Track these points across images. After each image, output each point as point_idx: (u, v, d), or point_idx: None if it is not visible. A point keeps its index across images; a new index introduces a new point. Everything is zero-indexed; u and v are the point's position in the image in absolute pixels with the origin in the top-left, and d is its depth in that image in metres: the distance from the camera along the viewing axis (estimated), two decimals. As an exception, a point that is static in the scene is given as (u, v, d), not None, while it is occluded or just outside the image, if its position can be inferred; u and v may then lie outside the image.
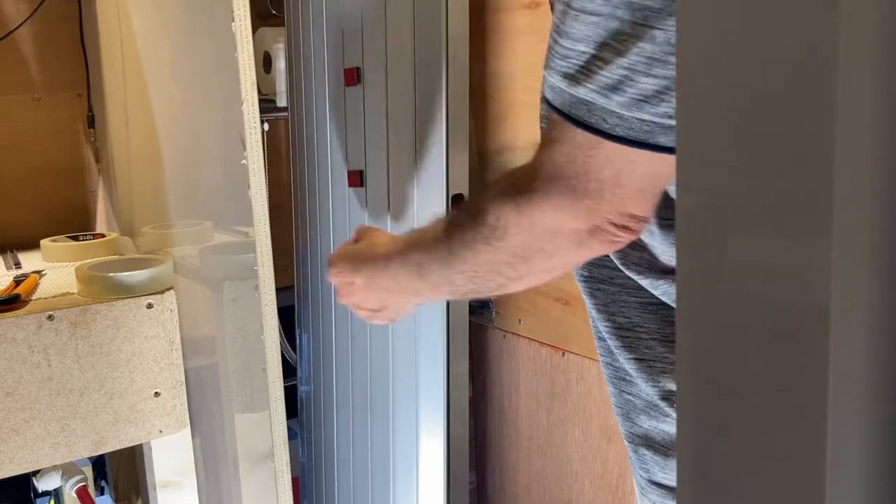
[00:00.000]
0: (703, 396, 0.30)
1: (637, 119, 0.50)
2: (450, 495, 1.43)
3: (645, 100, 0.49)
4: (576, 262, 0.64)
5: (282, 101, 1.75)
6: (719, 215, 0.28)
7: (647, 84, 0.49)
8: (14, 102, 1.82)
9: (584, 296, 0.72)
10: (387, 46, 1.38)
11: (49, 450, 1.21)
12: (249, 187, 1.03)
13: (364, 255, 0.81)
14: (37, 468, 1.23)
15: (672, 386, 0.66)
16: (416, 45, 1.31)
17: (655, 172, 0.54)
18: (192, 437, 1.39)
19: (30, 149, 1.85)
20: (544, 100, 0.57)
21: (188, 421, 1.35)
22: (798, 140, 0.25)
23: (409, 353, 1.42)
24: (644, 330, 0.67)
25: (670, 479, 0.68)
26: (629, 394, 0.71)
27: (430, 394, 1.39)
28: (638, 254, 0.66)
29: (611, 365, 0.73)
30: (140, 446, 1.45)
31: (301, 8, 1.63)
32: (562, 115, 0.54)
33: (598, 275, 0.70)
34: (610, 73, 0.50)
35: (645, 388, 0.68)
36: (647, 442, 0.70)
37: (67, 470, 1.50)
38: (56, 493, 1.61)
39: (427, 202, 1.34)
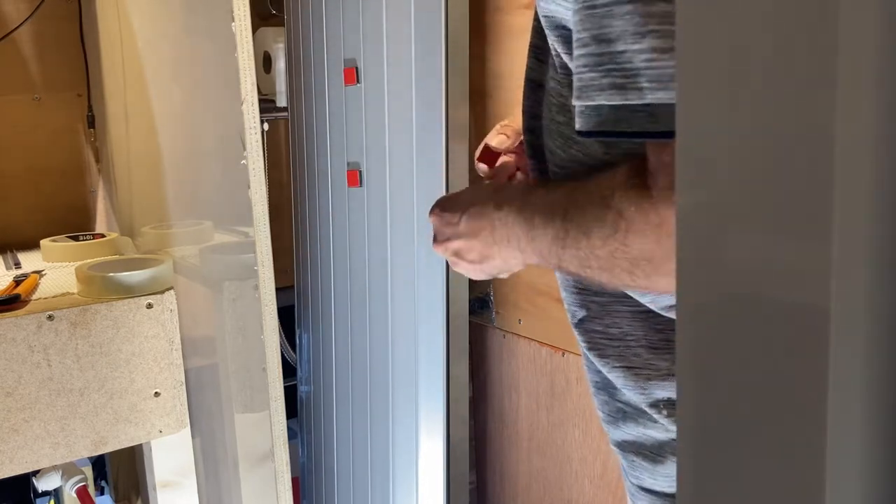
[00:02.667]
0: (703, 396, 0.30)
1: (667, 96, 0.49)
2: (450, 495, 1.43)
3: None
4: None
5: (282, 101, 1.75)
6: (719, 215, 0.28)
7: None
8: (14, 102, 1.82)
9: (574, 309, 0.70)
10: (387, 46, 1.38)
11: (49, 450, 1.21)
12: (249, 187, 1.03)
13: (473, 198, 0.72)
14: (37, 468, 1.23)
15: (659, 393, 0.65)
16: (416, 45, 1.31)
17: None
18: (192, 437, 1.39)
19: (30, 149, 1.85)
20: (592, 134, 0.54)
21: (188, 421, 1.35)
22: (798, 139, 0.25)
23: (408, 353, 1.42)
24: (633, 338, 0.66)
25: (658, 484, 0.68)
26: (618, 401, 0.70)
27: (430, 394, 1.39)
28: None
29: (598, 372, 0.71)
30: (140, 446, 1.45)
31: (301, 8, 1.63)
32: (644, 136, 0.51)
33: (591, 287, 0.68)
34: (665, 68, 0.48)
35: (632, 397, 0.67)
36: (636, 448, 0.69)
37: (67, 470, 1.50)
38: (56, 493, 1.61)
39: (427, 202, 1.34)
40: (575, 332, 0.71)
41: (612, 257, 0.57)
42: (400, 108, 1.37)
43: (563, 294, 0.71)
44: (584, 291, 0.69)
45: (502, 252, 0.68)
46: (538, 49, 0.67)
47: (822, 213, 0.24)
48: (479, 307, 1.58)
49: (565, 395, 1.45)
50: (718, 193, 0.28)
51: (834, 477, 0.25)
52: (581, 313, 0.70)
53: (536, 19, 0.66)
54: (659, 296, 0.62)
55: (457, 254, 0.73)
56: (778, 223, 0.26)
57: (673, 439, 0.65)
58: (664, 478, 0.67)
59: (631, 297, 0.65)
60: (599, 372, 0.71)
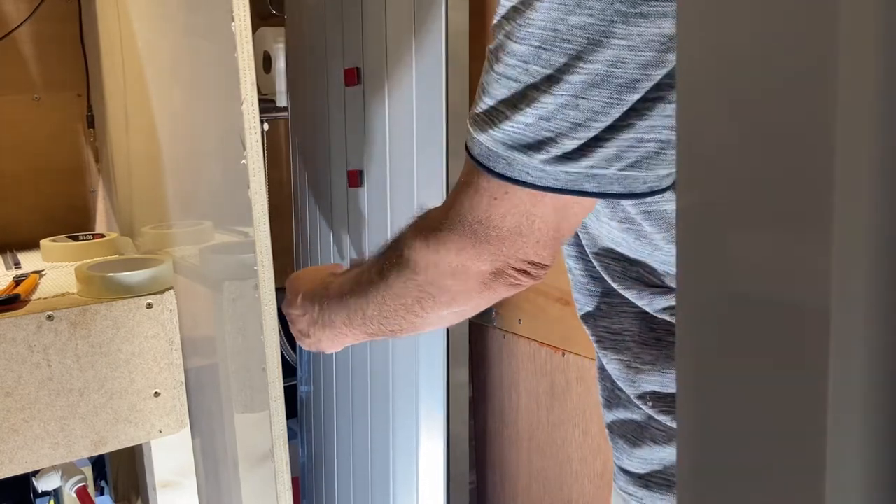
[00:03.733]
0: (702, 397, 0.30)
1: (561, 171, 0.54)
2: (450, 495, 1.43)
3: (568, 157, 0.54)
4: (481, 304, 0.67)
5: (282, 101, 1.75)
6: (719, 215, 0.28)
7: (570, 144, 0.53)
8: (14, 102, 1.82)
9: (587, 308, 0.76)
10: (387, 46, 1.38)
11: (49, 450, 1.21)
12: (249, 187, 1.03)
13: (311, 281, 0.88)
14: (36, 468, 1.23)
15: (646, 386, 0.70)
16: (416, 45, 1.31)
17: (557, 224, 0.59)
18: (192, 437, 1.39)
19: (30, 149, 1.85)
20: (466, 147, 0.60)
21: (188, 421, 1.34)
22: (798, 139, 0.25)
23: (409, 353, 1.42)
24: (629, 334, 0.72)
25: (633, 466, 0.73)
26: (615, 387, 0.75)
27: (430, 394, 1.39)
28: (620, 268, 0.70)
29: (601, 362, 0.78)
30: (140, 446, 1.45)
31: (301, 8, 1.63)
32: (478, 164, 0.58)
33: (607, 290, 0.74)
34: (531, 133, 0.54)
35: (624, 387, 0.73)
36: (621, 431, 0.74)
37: (67, 470, 1.50)
38: (56, 494, 1.61)
39: (427, 202, 1.34)
40: (585, 328, 0.76)
41: (405, 293, 0.68)
42: (400, 108, 1.37)
43: (577, 296, 0.77)
44: (597, 295, 0.74)
45: (322, 333, 0.83)
46: None
47: (822, 213, 0.24)
48: (479, 307, 1.58)
49: (565, 395, 1.45)
50: (718, 193, 0.28)
51: (834, 477, 0.25)
52: (593, 311, 0.75)
53: None
54: (654, 299, 0.68)
55: (292, 322, 0.88)
56: (778, 223, 0.26)
57: (652, 426, 0.71)
58: (638, 460, 0.72)
59: (634, 302, 0.71)
60: (600, 360, 0.77)
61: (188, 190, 1.40)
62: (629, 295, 0.69)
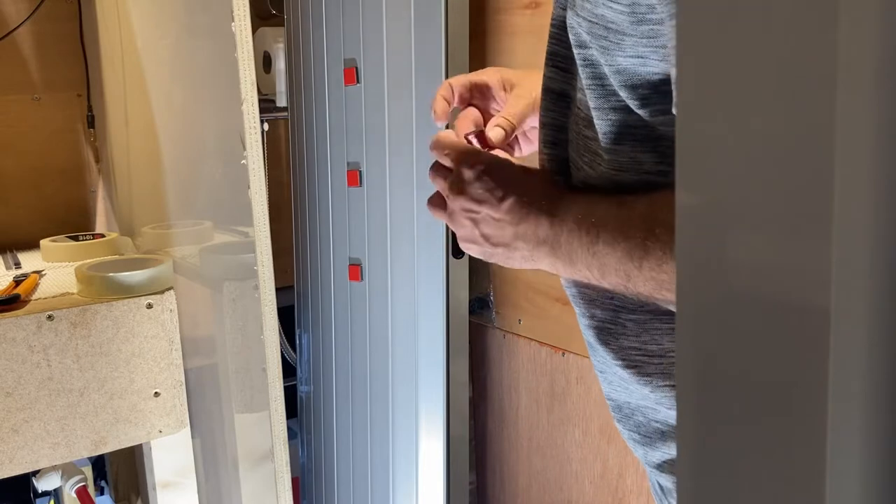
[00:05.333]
0: (702, 397, 0.30)
1: None
2: (450, 495, 1.43)
3: None
4: None
5: (282, 101, 1.75)
6: (719, 215, 0.28)
7: None
8: (14, 102, 1.82)
9: (607, 326, 0.65)
10: (386, 46, 1.38)
11: (49, 450, 1.21)
12: (249, 187, 1.03)
13: (525, 185, 0.63)
14: (36, 468, 1.23)
15: None
16: (415, 45, 1.31)
17: None
18: (192, 437, 1.39)
19: (30, 149, 1.85)
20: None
21: (188, 421, 1.35)
22: (798, 139, 0.25)
23: (408, 353, 1.42)
24: (675, 354, 0.62)
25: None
26: (656, 421, 0.66)
27: (430, 394, 1.39)
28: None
29: (632, 392, 0.66)
30: (140, 446, 1.45)
31: (301, 8, 1.63)
32: None
33: (628, 304, 0.63)
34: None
35: (671, 414, 0.62)
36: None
37: (67, 470, 1.50)
38: (56, 494, 1.61)
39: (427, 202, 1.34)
40: (603, 352, 0.65)
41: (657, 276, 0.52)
42: (400, 108, 1.37)
43: (592, 311, 0.66)
44: (621, 309, 0.63)
45: (533, 254, 0.62)
46: (558, 57, 0.62)
47: (822, 213, 0.24)
48: (479, 307, 1.58)
49: (565, 395, 1.45)
50: (718, 193, 0.28)
51: (834, 477, 0.25)
52: (612, 329, 0.64)
53: (555, 26, 0.62)
54: None
55: (476, 219, 0.64)
56: (778, 223, 0.26)
57: None
58: None
59: (669, 314, 0.61)
60: (632, 392, 0.65)
61: (188, 190, 1.40)
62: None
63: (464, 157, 0.65)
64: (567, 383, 1.44)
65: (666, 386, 0.62)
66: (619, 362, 0.63)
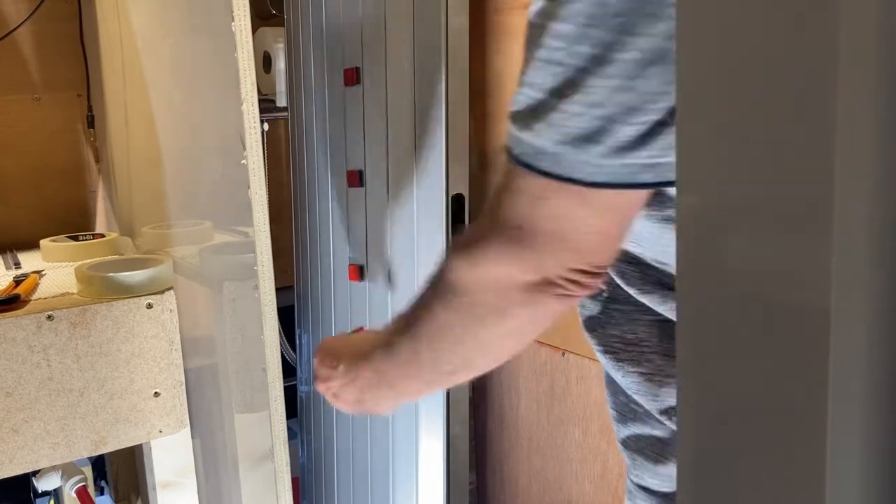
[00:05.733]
0: (703, 397, 0.30)
1: (620, 164, 0.49)
2: (450, 495, 1.43)
3: (623, 148, 0.48)
4: (536, 322, 0.60)
5: (282, 101, 1.75)
6: (719, 215, 0.28)
7: (628, 131, 0.47)
8: (14, 102, 1.82)
9: (598, 316, 0.71)
10: (387, 46, 1.38)
11: (49, 450, 1.21)
12: (249, 187, 1.03)
13: (349, 348, 0.78)
14: (36, 468, 1.23)
15: (670, 401, 0.66)
16: (416, 45, 1.31)
17: (605, 227, 0.53)
18: (192, 437, 1.39)
19: (30, 149, 1.85)
20: (505, 149, 0.55)
21: (188, 421, 1.34)
22: (798, 139, 0.25)
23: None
24: (648, 344, 0.67)
25: (659, 485, 0.68)
26: (631, 401, 0.70)
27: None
28: (638, 272, 0.64)
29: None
30: (140, 446, 1.45)
31: (301, 8, 1.63)
32: (519, 164, 0.52)
33: (617, 295, 0.68)
34: (581, 124, 0.48)
35: (644, 402, 0.68)
36: (640, 447, 0.69)
37: (67, 470, 1.50)
38: (56, 494, 1.61)
39: (427, 202, 1.34)
40: (588, 337, 0.70)
41: (452, 322, 0.61)
42: (400, 108, 1.37)
43: (584, 301, 0.71)
44: (605, 300, 0.69)
45: (378, 393, 0.73)
46: None
47: (822, 213, 0.24)
48: (479, 307, 1.58)
49: (565, 395, 1.45)
50: (718, 193, 0.28)
51: (834, 477, 0.25)
52: (601, 318, 0.70)
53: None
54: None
55: (335, 396, 0.78)
56: (778, 223, 0.26)
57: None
58: (665, 477, 0.68)
59: (651, 308, 0.65)
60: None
61: (188, 190, 1.40)
62: (648, 300, 0.64)
63: (315, 353, 0.81)
64: (567, 383, 1.44)
65: (635, 373, 0.67)
66: (600, 348, 0.69)
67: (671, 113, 0.46)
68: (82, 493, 1.49)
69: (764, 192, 0.26)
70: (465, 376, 0.66)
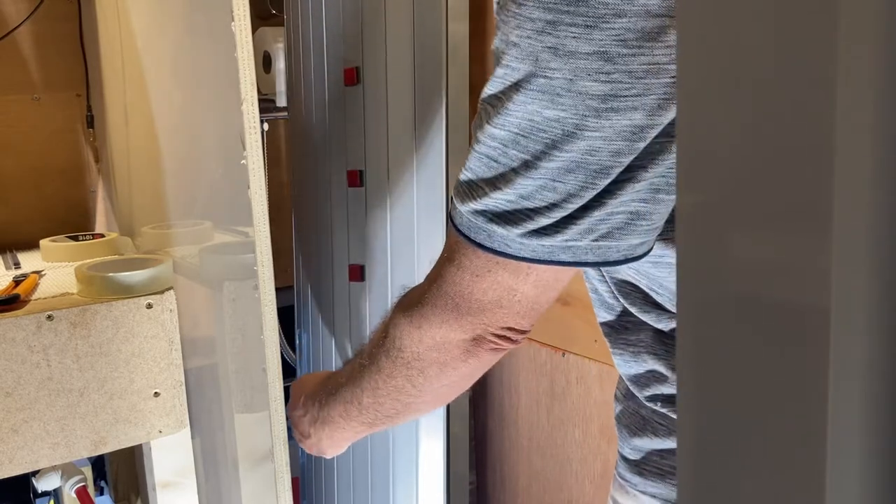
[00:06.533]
0: (703, 397, 0.30)
1: (538, 244, 0.57)
2: (450, 495, 1.43)
3: (544, 232, 0.56)
4: (470, 373, 0.70)
5: (282, 101, 1.75)
6: (719, 215, 0.28)
7: (546, 222, 0.56)
8: (14, 102, 1.82)
9: (609, 320, 0.79)
10: (387, 46, 1.38)
11: (48, 450, 1.21)
12: (249, 187, 1.03)
13: (314, 382, 0.91)
14: (36, 468, 1.23)
15: (655, 391, 0.73)
16: (416, 45, 1.31)
17: (537, 297, 0.62)
18: (192, 437, 1.39)
19: (30, 149, 1.85)
20: (449, 217, 0.64)
21: (188, 421, 1.34)
22: (798, 139, 0.25)
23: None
24: (643, 345, 0.75)
25: (631, 454, 0.77)
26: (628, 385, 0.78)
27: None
28: (640, 297, 0.72)
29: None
30: (140, 446, 1.45)
31: (301, 8, 1.63)
32: (462, 236, 0.61)
33: (628, 310, 0.77)
34: (510, 209, 0.57)
35: (637, 393, 0.76)
36: (627, 421, 0.78)
37: (67, 470, 1.50)
38: (55, 494, 1.61)
39: (427, 202, 1.34)
40: (605, 339, 0.80)
41: (394, 373, 0.71)
42: (400, 108, 1.37)
43: (599, 311, 0.80)
44: (620, 313, 0.78)
45: (321, 432, 0.86)
46: None
47: (822, 213, 0.24)
48: (479, 307, 1.58)
49: (565, 395, 1.45)
50: (718, 193, 0.28)
51: (835, 477, 0.25)
52: (616, 326, 0.79)
53: None
54: (671, 321, 0.72)
55: (294, 426, 0.93)
56: (778, 223, 0.26)
57: (655, 420, 0.74)
58: (635, 449, 0.77)
59: (649, 323, 0.75)
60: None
61: (188, 190, 1.40)
62: (648, 318, 0.72)
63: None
64: (567, 383, 1.44)
65: (633, 364, 0.76)
66: (613, 348, 0.78)
67: (581, 209, 0.55)
68: (82, 493, 1.48)
69: (764, 191, 0.26)
70: (406, 419, 0.78)
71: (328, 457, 0.95)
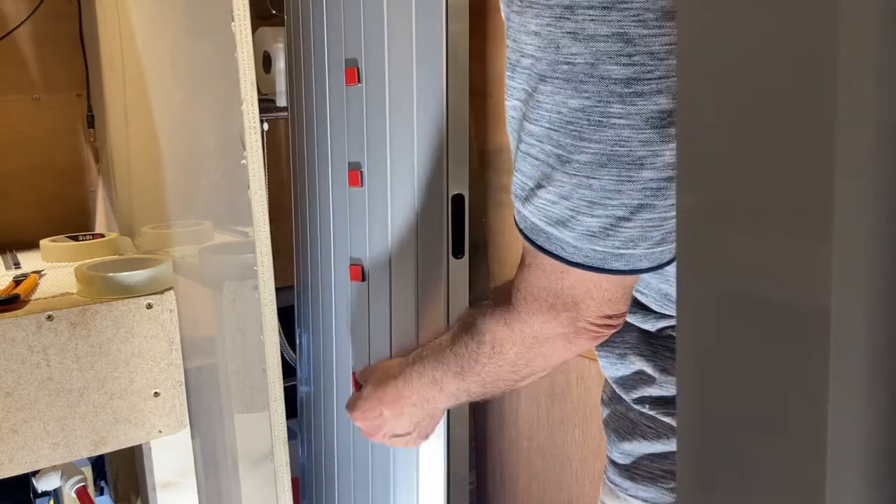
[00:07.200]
0: (703, 397, 0.30)
1: (591, 249, 0.57)
2: (450, 495, 1.43)
3: (593, 235, 0.56)
4: (569, 356, 0.73)
5: (282, 101, 1.75)
6: (719, 215, 0.28)
7: (592, 222, 0.55)
8: (14, 102, 1.82)
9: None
10: (388, 46, 1.38)
11: (48, 450, 1.21)
12: (249, 187, 1.03)
13: (382, 387, 0.92)
14: (36, 468, 1.23)
15: (642, 392, 0.75)
16: (416, 45, 1.31)
17: (623, 281, 0.62)
18: (192, 437, 1.39)
19: (30, 149, 1.85)
20: (514, 219, 0.64)
21: (188, 421, 1.34)
22: (798, 140, 0.25)
23: (408, 353, 1.42)
24: (628, 345, 0.77)
25: (620, 458, 0.78)
26: (615, 388, 0.80)
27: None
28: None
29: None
30: (140, 446, 1.45)
31: (301, 8, 1.63)
32: (528, 241, 0.62)
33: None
34: (557, 211, 0.57)
35: (623, 395, 0.77)
36: (615, 425, 0.80)
37: (67, 470, 1.50)
38: (56, 494, 1.61)
39: (427, 202, 1.34)
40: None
41: (499, 371, 0.75)
42: (401, 107, 1.37)
43: None
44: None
45: (422, 413, 0.88)
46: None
47: (822, 213, 0.24)
48: (479, 307, 1.58)
49: (565, 396, 1.45)
50: (718, 193, 0.28)
51: (834, 476, 0.25)
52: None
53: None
54: (656, 322, 0.73)
55: (391, 434, 0.92)
56: (778, 223, 0.26)
57: (643, 423, 0.75)
58: (625, 453, 0.77)
59: (637, 325, 0.76)
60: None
61: (188, 190, 1.40)
62: (633, 319, 0.73)
63: (352, 416, 0.98)
64: (567, 383, 1.43)
65: (619, 365, 0.78)
66: (598, 348, 0.80)
67: (626, 209, 0.54)
68: (82, 493, 1.48)
69: (764, 191, 0.26)
70: (506, 390, 0.81)
71: (400, 444, 0.98)
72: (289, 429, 1.17)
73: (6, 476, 1.18)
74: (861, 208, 0.24)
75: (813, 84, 0.24)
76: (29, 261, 1.58)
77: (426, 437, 0.94)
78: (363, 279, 1.54)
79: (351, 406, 0.95)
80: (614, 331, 0.66)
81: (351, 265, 1.57)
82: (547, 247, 0.59)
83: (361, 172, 1.50)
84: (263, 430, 1.12)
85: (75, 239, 1.62)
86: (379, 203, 1.46)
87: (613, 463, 0.79)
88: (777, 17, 0.25)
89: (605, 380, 0.81)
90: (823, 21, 0.24)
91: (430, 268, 1.36)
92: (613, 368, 0.76)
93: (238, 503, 1.26)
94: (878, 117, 0.24)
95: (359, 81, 1.47)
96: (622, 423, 0.78)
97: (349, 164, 1.54)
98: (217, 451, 1.35)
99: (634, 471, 0.75)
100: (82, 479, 1.51)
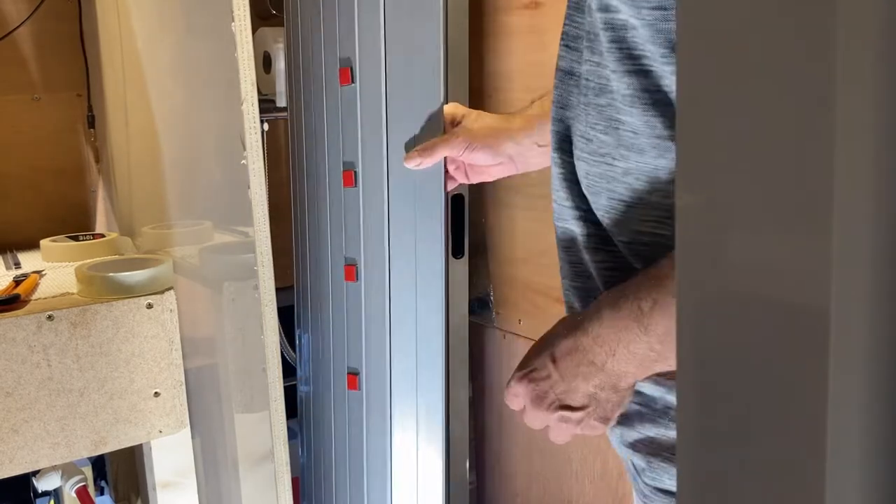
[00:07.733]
0: (703, 397, 0.30)
1: None
2: (449, 495, 1.43)
3: None
4: None
5: (281, 101, 1.75)
6: (719, 215, 0.28)
7: None
8: (14, 102, 1.82)
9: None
10: (384, 46, 1.38)
11: (49, 450, 1.21)
12: (249, 187, 1.03)
13: (551, 340, 0.67)
14: (36, 468, 1.23)
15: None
16: (414, 45, 1.31)
17: None
18: (192, 437, 1.39)
19: (30, 149, 1.85)
20: None
21: (188, 421, 1.35)
22: (798, 139, 0.25)
23: (408, 353, 1.42)
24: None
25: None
26: (635, 403, 0.68)
27: (430, 394, 1.39)
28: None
29: None
30: (140, 446, 1.45)
31: (300, 8, 1.63)
32: None
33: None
34: None
35: (663, 396, 0.66)
36: (654, 449, 0.67)
37: (67, 470, 1.50)
38: (56, 494, 1.61)
39: (426, 203, 1.34)
40: None
41: None
42: (398, 107, 1.37)
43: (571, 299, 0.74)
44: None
45: (609, 378, 0.63)
46: (569, 37, 0.69)
47: (822, 213, 0.24)
48: (479, 307, 1.58)
49: (565, 395, 1.45)
50: (718, 193, 0.28)
51: (835, 477, 0.25)
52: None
53: (570, 7, 0.68)
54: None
55: (564, 407, 0.66)
56: (778, 223, 0.26)
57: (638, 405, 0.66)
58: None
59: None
60: None
61: (188, 190, 1.40)
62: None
63: (514, 386, 0.70)
64: (567, 383, 1.43)
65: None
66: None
67: None
68: (82, 493, 1.49)
69: (764, 191, 0.27)
70: None
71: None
72: (289, 429, 1.17)
73: (6, 476, 1.18)
74: (861, 207, 0.25)
75: (813, 81, 0.24)
76: (29, 261, 1.58)
77: (605, 420, 0.66)
78: (357, 279, 1.54)
79: (517, 374, 0.70)
80: None
81: (346, 265, 1.58)
82: None
83: (356, 173, 1.50)
84: (263, 430, 1.12)
85: (75, 239, 1.62)
86: (374, 203, 1.46)
87: (664, 491, 0.66)
88: (778, 14, 0.25)
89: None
90: (824, 19, 0.24)
91: (428, 267, 1.36)
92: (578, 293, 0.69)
93: (238, 503, 1.26)
94: (878, 115, 0.24)
95: (352, 81, 1.46)
96: (666, 447, 0.66)
97: (344, 164, 1.54)
98: (217, 451, 1.35)
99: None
100: (82, 478, 1.51)
